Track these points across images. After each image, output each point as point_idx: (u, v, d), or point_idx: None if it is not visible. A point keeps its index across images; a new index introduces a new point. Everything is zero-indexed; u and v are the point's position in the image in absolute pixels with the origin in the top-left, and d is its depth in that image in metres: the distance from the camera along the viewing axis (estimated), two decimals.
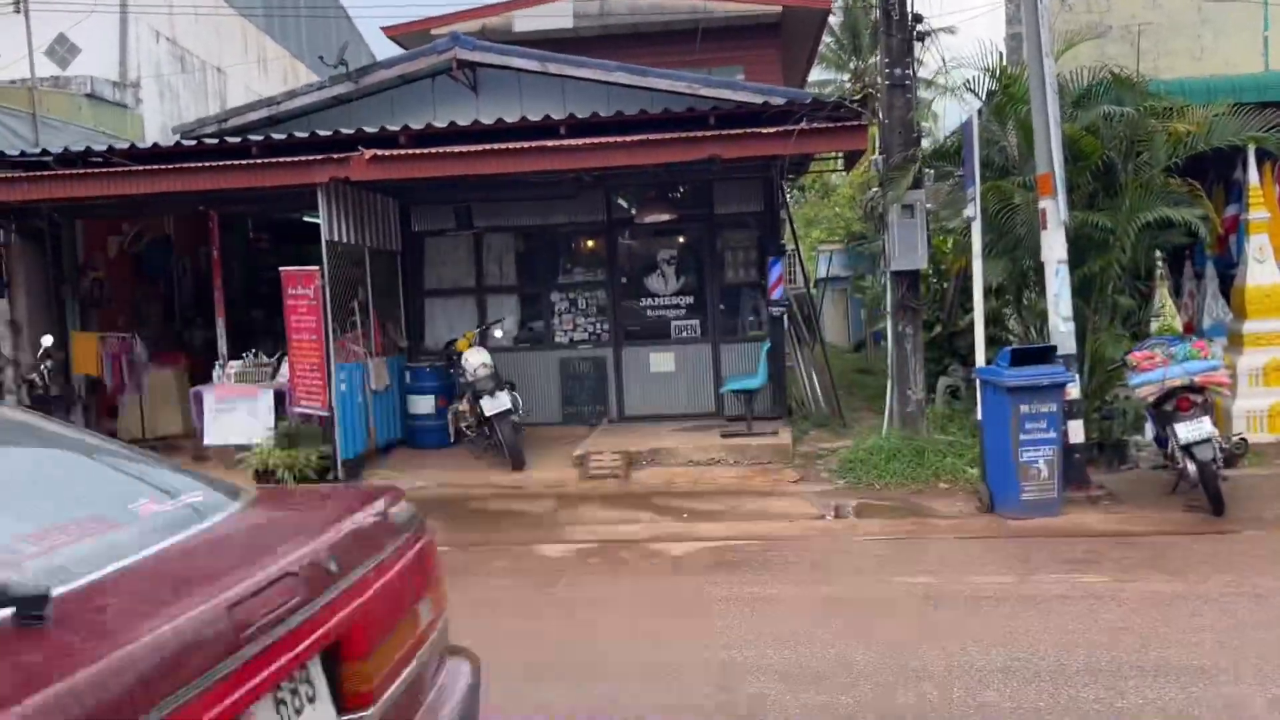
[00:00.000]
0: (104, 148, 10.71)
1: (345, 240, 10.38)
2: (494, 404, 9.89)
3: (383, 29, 18.70)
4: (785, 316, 11.65)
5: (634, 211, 12.05)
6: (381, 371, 11.11)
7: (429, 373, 11.32)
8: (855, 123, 9.15)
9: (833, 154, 10.81)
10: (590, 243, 12.51)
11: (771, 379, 11.12)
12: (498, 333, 11.60)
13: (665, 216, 11.32)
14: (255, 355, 11.28)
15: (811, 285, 12.90)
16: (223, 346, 12.17)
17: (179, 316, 15.08)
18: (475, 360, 10.21)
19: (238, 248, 14.95)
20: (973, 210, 8.00)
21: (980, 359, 8.15)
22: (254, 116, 11.95)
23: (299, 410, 10.45)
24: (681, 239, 12.36)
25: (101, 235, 13.09)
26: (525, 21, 17.24)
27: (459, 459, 10.78)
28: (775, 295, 11.44)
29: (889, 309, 9.78)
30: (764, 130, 9.16)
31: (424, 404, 11.49)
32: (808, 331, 12.55)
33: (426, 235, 12.51)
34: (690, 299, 12.18)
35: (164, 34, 17.08)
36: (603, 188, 12.02)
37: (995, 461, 7.58)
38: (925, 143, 10.63)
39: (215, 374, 11.28)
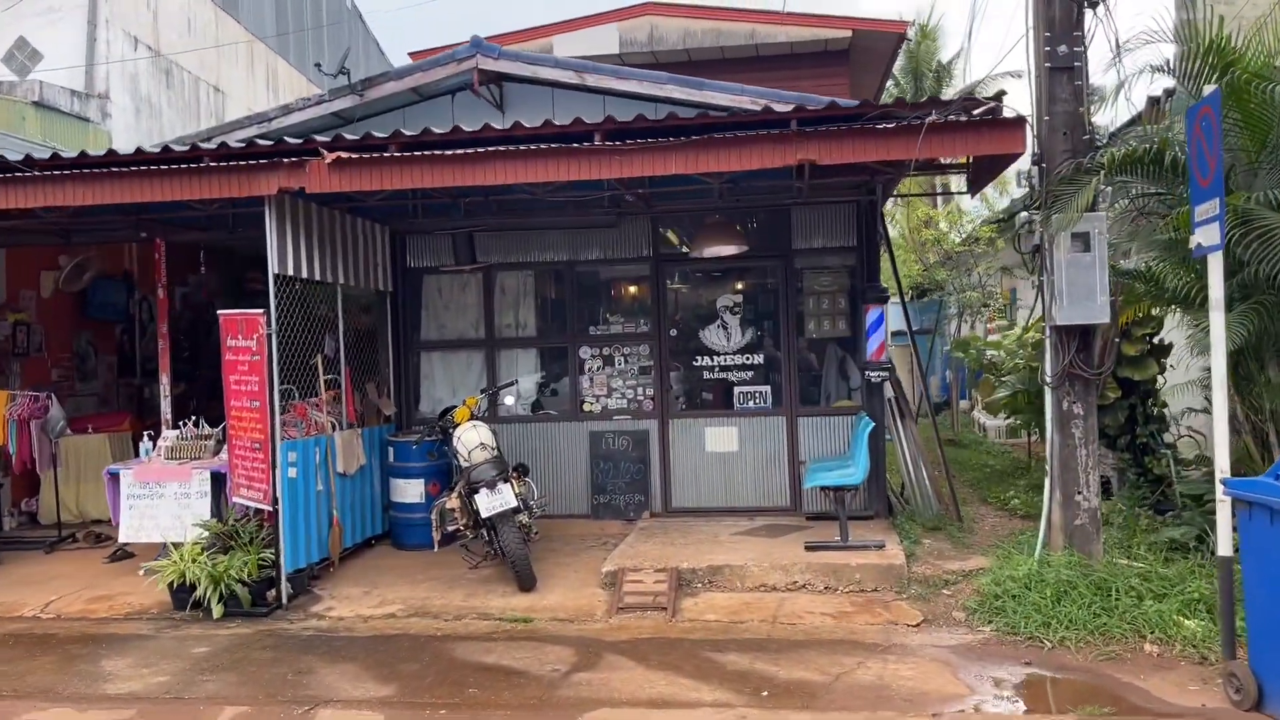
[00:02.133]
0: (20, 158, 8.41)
1: (307, 274, 7.92)
2: (493, 501, 7.29)
3: (410, 54, 16.60)
4: (886, 383, 8.96)
5: (688, 246, 9.50)
6: (353, 448, 8.56)
7: (418, 449, 8.76)
8: (1010, 115, 6.53)
9: (958, 162, 8.20)
10: (632, 285, 9.97)
11: (872, 467, 8.40)
12: (509, 399, 9.05)
13: (729, 250, 8.75)
14: (196, 423, 8.80)
15: (914, 342, 10.14)
16: (165, 410, 9.74)
17: (140, 369, 12.76)
18: (471, 439, 7.64)
19: (223, 286, 12.64)
20: (1211, 236, 5.30)
21: (1223, 459, 5.39)
22: (241, 134, 9.61)
23: (238, 501, 7.93)
24: (749, 282, 9.79)
25: (31, 270, 10.84)
26: (565, 46, 15.06)
27: (449, 568, 8.15)
28: (875, 355, 8.77)
29: (1048, 378, 7.05)
30: (879, 125, 6.57)
31: (411, 490, 8.93)
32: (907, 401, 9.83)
33: (425, 273, 10.06)
34: (759, 358, 9.55)
35: (145, 42, 15.02)
36: (648, 215, 9.51)
37: (1276, 633, 4.79)
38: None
39: (143, 448, 8.81)
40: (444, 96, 9.47)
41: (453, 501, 7.53)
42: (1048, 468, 7.13)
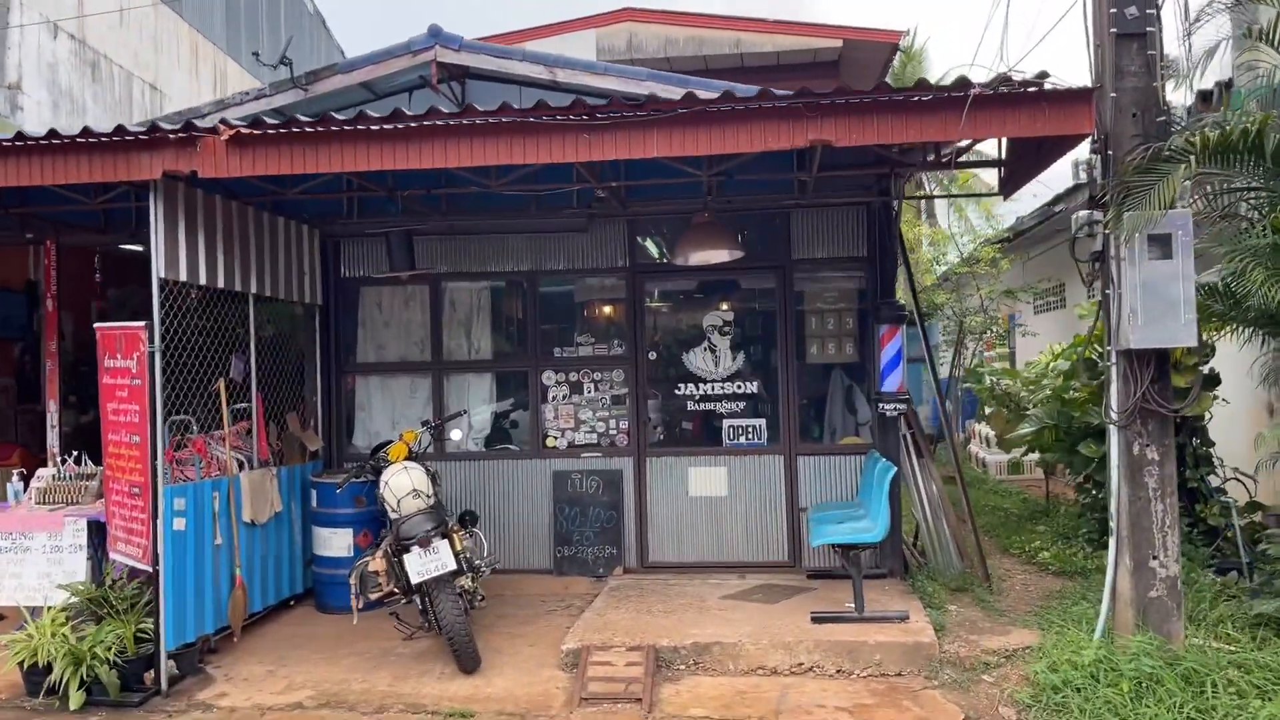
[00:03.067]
0: None
1: (206, 280, 6.54)
2: (427, 562, 5.89)
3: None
4: (902, 418, 7.65)
5: (670, 253, 8.19)
6: (264, 491, 7.14)
7: (345, 493, 7.34)
8: (1073, 87, 5.28)
9: (988, 159, 6.96)
10: (604, 301, 8.65)
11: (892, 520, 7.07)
12: (455, 433, 7.68)
13: (720, 256, 7.43)
14: (78, 459, 7.35)
15: (932, 367, 8.84)
16: (51, 442, 8.29)
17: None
18: (401, 484, 6.26)
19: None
20: None
21: None
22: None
23: (116, 557, 6.50)
24: (740, 298, 8.48)
25: None
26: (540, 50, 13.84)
27: (379, 638, 6.74)
28: (890, 384, 7.48)
29: (1113, 414, 5.76)
30: (915, 98, 5.29)
31: (337, 542, 7.51)
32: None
33: (362, 284, 8.68)
34: (752, 386, 8.23)
35: (68, 30, 13.61)
36: (624, 218, 8.21)
37: None
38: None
39: (10, 489, 7.34)
40: (400, 95, 8.14)
41: (377, 563, 6.12)
42: (1112, 525, 5.82)
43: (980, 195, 8.47)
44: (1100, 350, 8.00)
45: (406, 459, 6.82)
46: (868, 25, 15.58)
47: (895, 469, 6.98)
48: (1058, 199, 12.84)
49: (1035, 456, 12.36)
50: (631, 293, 8.29)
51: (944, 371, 16.40)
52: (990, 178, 7.94)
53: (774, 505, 8.08)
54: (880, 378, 7.57)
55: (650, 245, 8.54)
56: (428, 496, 6.26)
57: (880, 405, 7.55)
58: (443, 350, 8.56)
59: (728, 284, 8.40)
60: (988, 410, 12.50)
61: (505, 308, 8.71)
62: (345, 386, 8.68)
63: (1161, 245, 5.42)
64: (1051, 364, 9.57)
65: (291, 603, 7.71)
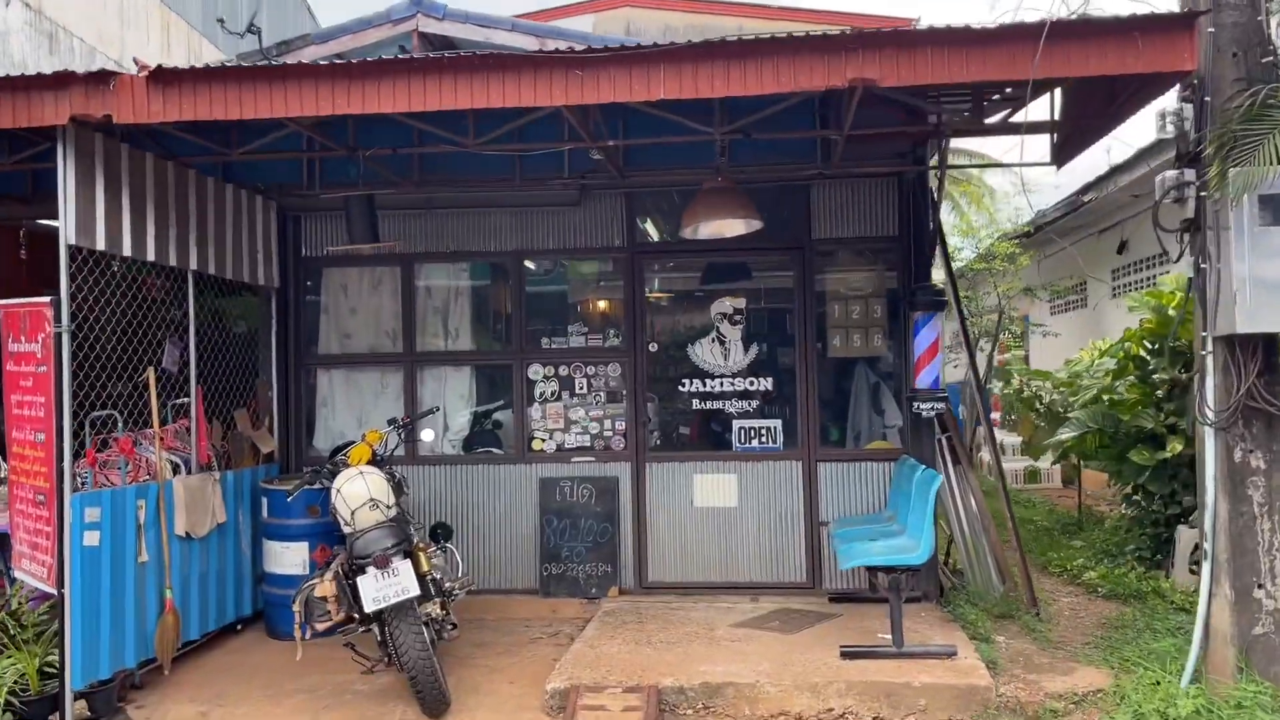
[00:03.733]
0: None
1: (133, 250, 5.58)
2: (384, 587, 4.94)
3: None
4: (939, 419, 6.73)
5: (674, 228, 7.26)
6: (202, 500, 6.18)
7: (297, 502, 6.37)
8: (1172, 12, 4.37)
9: (1040, 121, 6.04)
10: (599, 285, 7.73)
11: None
12: (427, 434, 6.74)
13: (736, 228, 6.50)
14: None
15: (972, 360, 7.89)
16: None
17: None
18: (355, 492, 5.30)
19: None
20: None
21: None
22: None
23: (21, 576, 5.54)
24: (754, 282, 7.54)
25: None
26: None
27: (334, 670, 5.79)
28: (925, 379, 6.55)
29: (1209, 413, 4.83)
30: (975, 26, 4.37)
31: (290, 557, 6.56)
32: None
33: (326, 264, 7.72)
34: (767, 383, 7.29)
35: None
36: (622, 191, 7.28)
37: None
38: None
39: None
40: None
41: (325, 586, 5.15)
42: (1206, 547, 4.89)
43: (1029, 164, 7.60)
44: (1175, 343, 7.14)
45: (369, 463, 5.88)
46: (875, 12, 14.77)
47: (939, 478, 6.04)
48: (1086, 188, 11.94)
49: (1047, 463, 11.39)
50: (630, 276, 7.35)
51: (957, 374, 15.50)
52: (1038, 148, 7.02)
53: (791, 518, 7.14)
54: (914, 372, 6.65)
55: (651, 226, 7.60)
56: (388, 507, 5.31)
57: (915, 404, 6.62)
58: (416, 340, 7.61)
59: (739, 267, 7.46)
60: (1012, 414, 11.57)
61: (487, 293, 7.77)
62: (306, 380, 7.72)
63: (1274, 209, 4.51)
64: (1097, 362, 8.64)
65: (239, 627, 6.75)
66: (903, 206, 7.09)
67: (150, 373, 5.85)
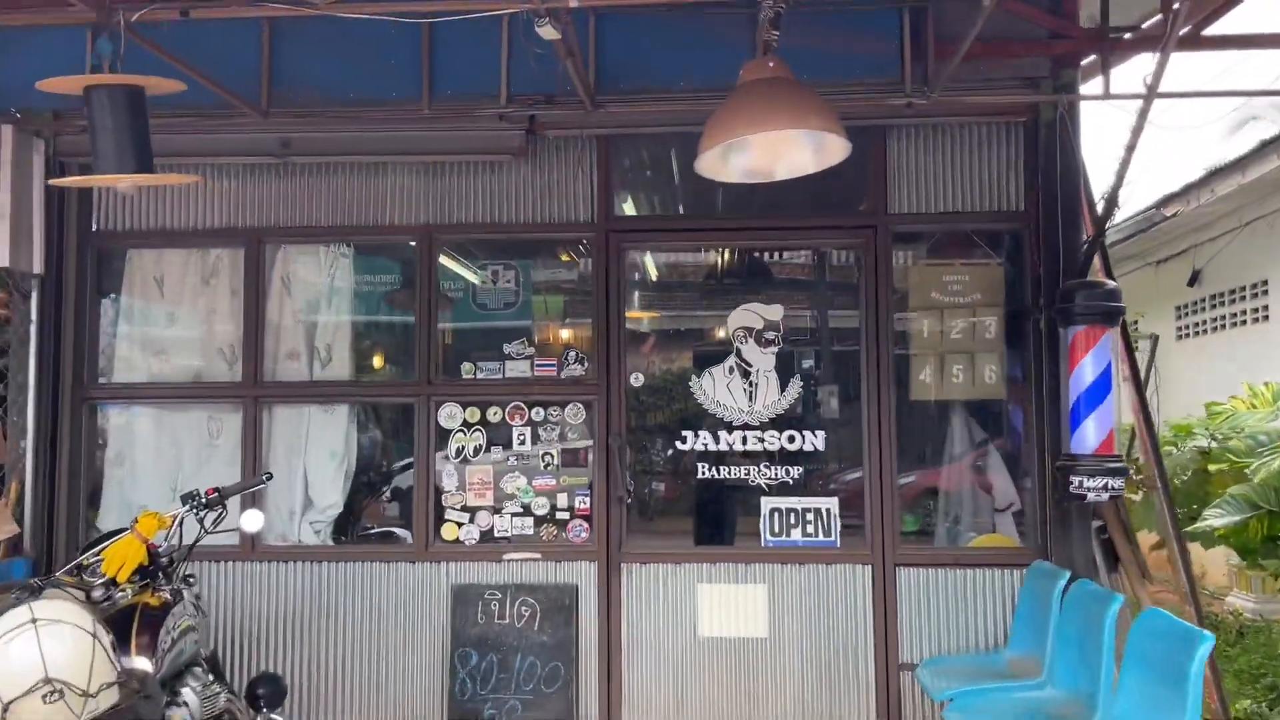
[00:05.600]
0: None
1: None
2: None
3: None
4: (1119, 504, 4.16)
5: (657, 200, 4.68)
6: None
7: None
8: None
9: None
10: (554, 283, 5.08)
11: None
12: (251, 520, 3.94)
13: (799, 160, 3.70)
14: None
15: (1142, 399, 5.27)
16: None
17: None
18: (16, 670, 2.56)
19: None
20: None
21: None
22: None
23: None
24: (795, 283, 4.97)
25: None
26: None
27: None
28: (1091, 438, 4.02)
29: None
30: None
31: None
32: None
33: (130, 243, 5.04)
34: (815, 439, 4.67)
35: None
36: (593, 133, 4.73)
37: None
38: None
39: None
40: None
41: None
42: None
43: (1251, 94, 5.25)
44: None
45: (140, 571, 3.24)
46: None
47: (1118, 600, 3.47)
48: (1169, 199, 9.51)
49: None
50: (603, 269, 4.74)
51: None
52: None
53: (853, 656, 4.50)
54: (1070, 423, 4.09)
55: (635, 195, 5.02)
56: (97, 691, 2.60)
57: (1072, 479, 4.03)
58: (266, 363, 4.92)
59: (772, 261, 4.89)
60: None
61: (378, 293, 5.08)
62: (88, 423, 4.98)
63: None
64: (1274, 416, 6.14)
65: None
66: (1031, 164, 4.57)
67: None
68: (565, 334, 4.89)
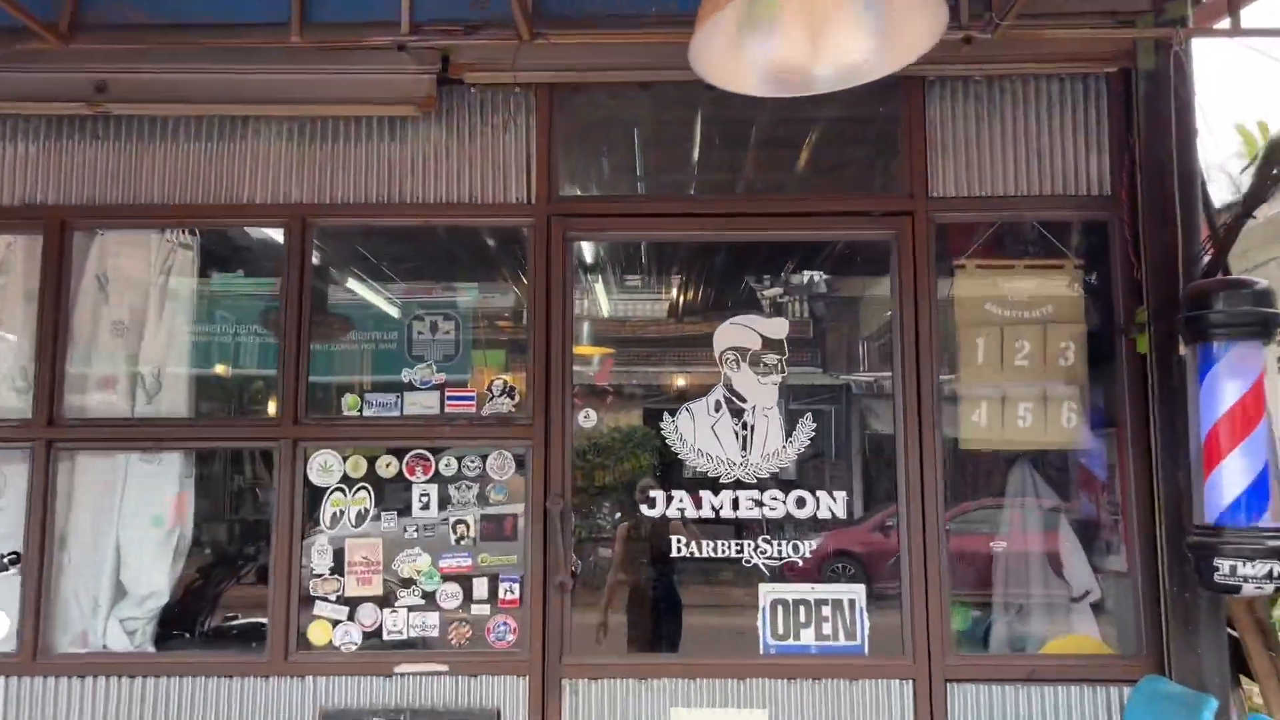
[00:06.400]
0: None
1: None
2: None
3: None
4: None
5: (616, 175, 3.45)
6: None
7: None
8: None
9: None
10: (474, 288, 3.79)
11: None
12: None
13: (854, 44, 2.55)
14: None
15: None
16: None
17: None
18: None
19: None
20: None
21: None
22: None
23: None
24: (804, 286, 3.73)
25: None
26: None
27: None
28: (1243, 501, 2.78)
29: None
30: None
31: None
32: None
33: None
34: (833, 500, 3.40)
35: None
36: (532, 85, 3.48)
37: None
38: None
39: None
40: None
41: None
42: None
43: None
44: None
45: None
46: None
47: None
48: None
49: None
50: (543, 266, 3.46)
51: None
52: None
53: None
54: (1203, 480, 2.89)
55: (585, 168, 3.78)
56: None
57: (1216, 561, 2.82)
58: (65, 392, 3.55)
59: (772, 252, 3.66)
60: None
61: (229, 298, 3.76)
62: None
63: None
64: None
65: None
66: (1124, 131, 3.43)
67: None
68: (490, 356, 3.59)
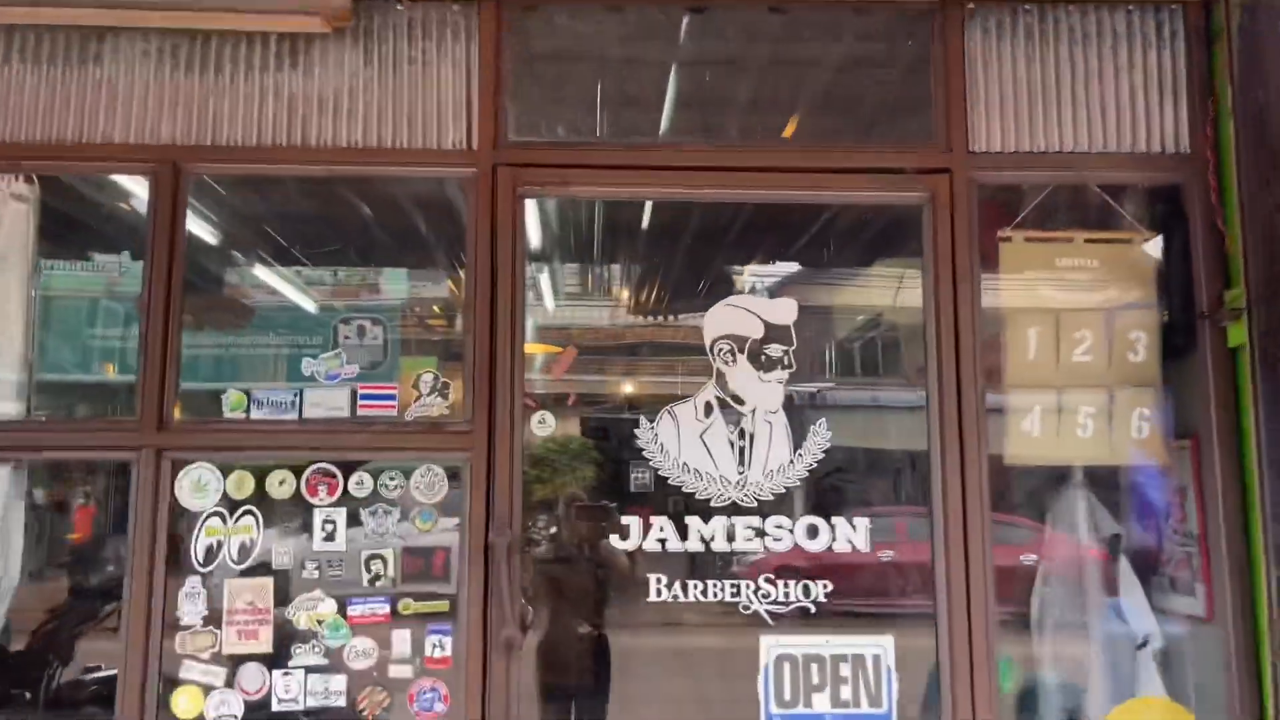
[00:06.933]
0: None
1: None
2: None
3: None
4: None
5: (584, 117, 2.74)
6: None
7: None
8: None
9: None
10: (401, 257, 3.05)
11: None
12: None
13: None
14: None
15: None
16: None
17: None
18: None
19: None
20: None
21: None
22: None
23: None
24: (817, 263, 3.05)
25: None
26: None
27: None
28: None
29: None
30: None
31: None
32: None
33: None
34: (850, 531, 2.71)
35: None
36: (478, 5, 2.74)
37: None
38: None
39: None
40: None
41: None
42: None
43: None
44: None
45: None
46: None
47: None
48: None
49: None
50: (487, 227, 2.73)
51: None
52: None
53: None
54: None
55: (535, 121, 3.04)
56: None
57: None
58: None
59: (774, 218, 2.96)
60: None
61: (82, 264, 2.97)
62: None
63: None
64: None
65: None
66: (1205, 75, 2.82)
67: None
68: (419, 338, 2.84)
